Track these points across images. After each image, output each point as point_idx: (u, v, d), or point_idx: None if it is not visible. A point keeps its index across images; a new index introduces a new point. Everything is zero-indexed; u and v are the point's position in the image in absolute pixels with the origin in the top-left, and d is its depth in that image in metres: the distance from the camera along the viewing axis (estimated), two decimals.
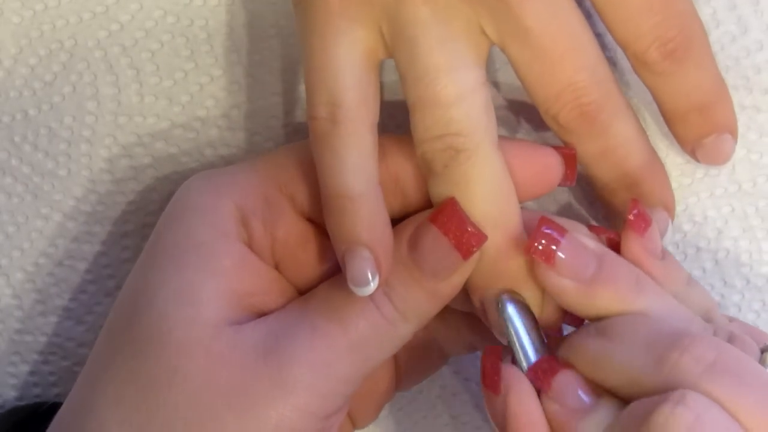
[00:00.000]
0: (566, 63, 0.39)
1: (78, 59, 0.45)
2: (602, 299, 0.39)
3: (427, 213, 0.39)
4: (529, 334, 0.39)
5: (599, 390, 0.37)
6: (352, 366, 0.38)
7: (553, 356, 0.39)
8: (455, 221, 0.38)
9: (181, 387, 0.37)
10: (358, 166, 0.39)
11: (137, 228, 0.47)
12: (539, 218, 0.39)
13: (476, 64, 0.39)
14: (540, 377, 0.38)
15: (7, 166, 0.46)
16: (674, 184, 0.45)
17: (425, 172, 0.40)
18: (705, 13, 0.43)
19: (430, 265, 0.39)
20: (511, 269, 0.40)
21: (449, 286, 0.39)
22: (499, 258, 0.39)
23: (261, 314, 0.40)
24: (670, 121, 0.43)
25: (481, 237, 0.38)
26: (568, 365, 0.38)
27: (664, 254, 0.41)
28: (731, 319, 0.41)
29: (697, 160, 0.43)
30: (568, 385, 0.37)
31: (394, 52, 0.39)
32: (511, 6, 0.38)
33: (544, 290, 0.39)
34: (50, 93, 0.45)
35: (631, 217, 0.40)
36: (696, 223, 0.46)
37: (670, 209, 0.43)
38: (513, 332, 0.39)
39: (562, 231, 0.39)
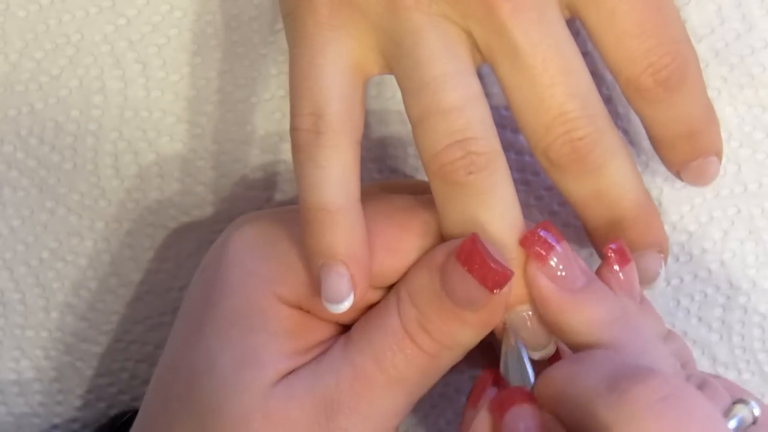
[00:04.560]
0: (557, 88, 0.38)
1: (84, 53, 0.45)
2: (581, 319, 0.37)
3: (455, 243, 0.37)
4: (518, 364, 0.38)
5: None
6: (396, 402, 0.38)
7: (520, 389, 0.37)
8: (477, 259, 0.36)
9: None
10: (339, 179, 0.38)
11: (140, 226, 0.47)
12: (542, 222, 0.38)
13: (474, 73, 0.38)
14: (495, 408, 0.36)
15: (12, 159, 0.46)
16: (680, 184, 0.45)
17: (440, 190, 0.38)
18: (709, 9, 0.43)
19: (462, 297, 0.37)
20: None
21: (487, 315, 0.38)
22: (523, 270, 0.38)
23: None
24: (657, 145, 0.42)
25: (506, 273, 0.36)
26: (531, 399, 0.36)
27: (642, 300, 0.40)
28: (716, 377, 0.39)
29: (681, 180, 0.43)
30: (518, 420, 0.35)
31: (392, 65, 0.38)
32: (500, 17, 0.37)
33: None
34: (57, 87, 0.45)
35: (610, 253, 0.39)
36: (701, 224, 0.45)
37: (664, 251, 0.41)
38: (504, 359, 0.38)
39: (560, 238, 0.38)
